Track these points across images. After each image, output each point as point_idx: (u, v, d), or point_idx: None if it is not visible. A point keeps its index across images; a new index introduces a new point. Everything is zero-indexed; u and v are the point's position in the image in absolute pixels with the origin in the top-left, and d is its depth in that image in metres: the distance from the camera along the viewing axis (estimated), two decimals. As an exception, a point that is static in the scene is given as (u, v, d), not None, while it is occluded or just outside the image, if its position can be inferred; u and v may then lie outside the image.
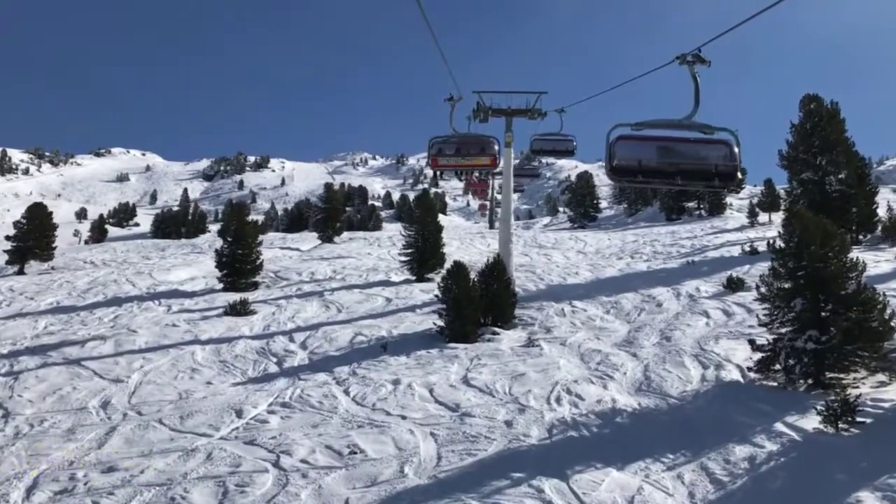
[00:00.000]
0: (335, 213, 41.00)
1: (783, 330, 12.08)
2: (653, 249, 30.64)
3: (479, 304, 16.20)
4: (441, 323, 15.95)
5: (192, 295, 23.32)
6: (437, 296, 16.61)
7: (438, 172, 16.45)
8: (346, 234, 44.78)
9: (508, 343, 15.54)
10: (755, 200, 38.86)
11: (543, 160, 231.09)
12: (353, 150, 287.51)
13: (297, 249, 36.96)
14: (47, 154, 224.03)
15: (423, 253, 23.74)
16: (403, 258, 24.25)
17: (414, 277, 23.84)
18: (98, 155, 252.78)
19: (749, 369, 12.24)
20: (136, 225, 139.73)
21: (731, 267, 22.24)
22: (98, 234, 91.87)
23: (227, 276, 23.77)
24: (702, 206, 45.21)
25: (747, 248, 24.59)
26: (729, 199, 46.29)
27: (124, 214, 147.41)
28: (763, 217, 36.50)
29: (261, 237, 26.12)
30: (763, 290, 12.50)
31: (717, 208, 43.83)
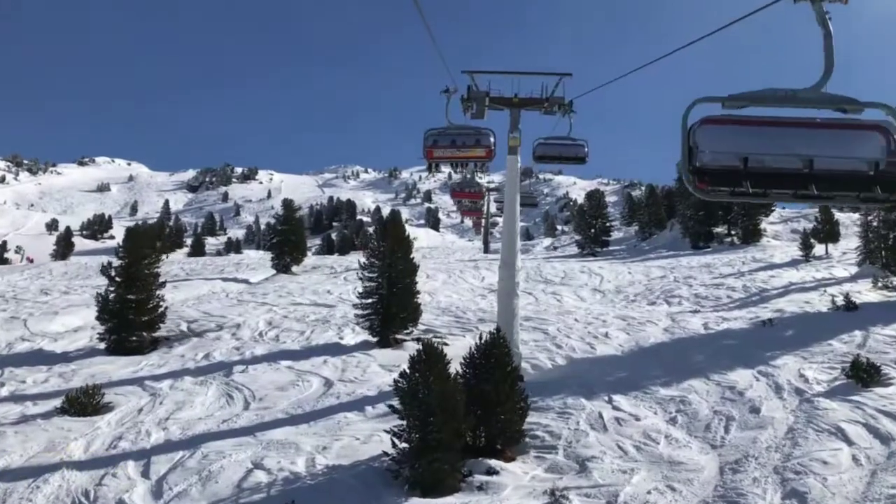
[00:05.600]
0: (297, 237, 33.54)
1: None
2: (692, 291, 23.95)
3: (464, 418, 9.39)
4: (398, 451, 9.14)
5: (56, 360, 16.38)
6: (390, 406, 9.75)
7: (433, 164, 15.25)
8: (310, 260, 37.61)
9: (517, 498, 8.71)
10: (806, 227, 32.13)
11: (541, 175, 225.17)
12: (344, 163, 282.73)
13: (245, 281, 29.88)
14: (26, 162, 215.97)
15: (389, 305, 16.46)
16: (360, 311, 17.00)
17: (375, 339, 16.72)
18: (81, 164, 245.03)
19: None
20: (111, 238, 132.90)
21: (830, 332, 15.49)
22: (64, 248, 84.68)
23: (113, 332, 16.71)
24: (734, 231, 38.49)
25: (839, 301, 17.77)
26: (763, 225, 39.62)
27: (99, 226, 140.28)
28: (818, 249, 29.79)
29: (162, 273, 18.76)
30: None
31: (751, 235, 37.20)
